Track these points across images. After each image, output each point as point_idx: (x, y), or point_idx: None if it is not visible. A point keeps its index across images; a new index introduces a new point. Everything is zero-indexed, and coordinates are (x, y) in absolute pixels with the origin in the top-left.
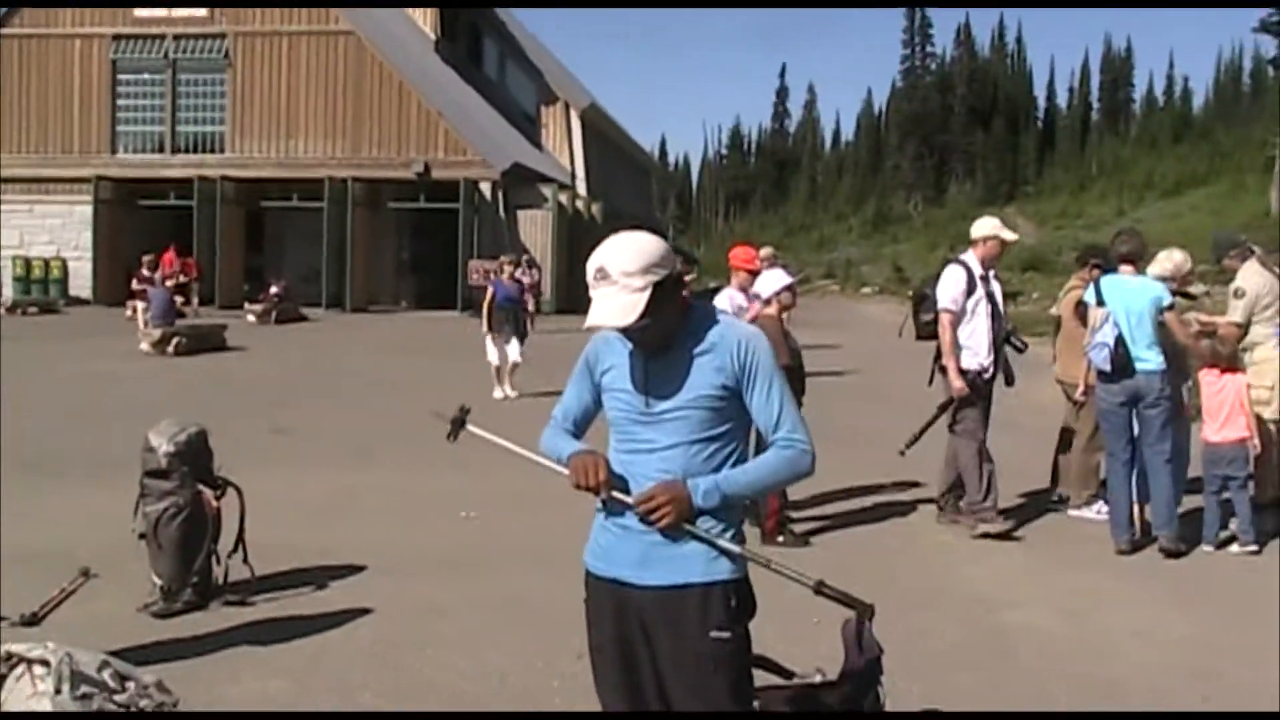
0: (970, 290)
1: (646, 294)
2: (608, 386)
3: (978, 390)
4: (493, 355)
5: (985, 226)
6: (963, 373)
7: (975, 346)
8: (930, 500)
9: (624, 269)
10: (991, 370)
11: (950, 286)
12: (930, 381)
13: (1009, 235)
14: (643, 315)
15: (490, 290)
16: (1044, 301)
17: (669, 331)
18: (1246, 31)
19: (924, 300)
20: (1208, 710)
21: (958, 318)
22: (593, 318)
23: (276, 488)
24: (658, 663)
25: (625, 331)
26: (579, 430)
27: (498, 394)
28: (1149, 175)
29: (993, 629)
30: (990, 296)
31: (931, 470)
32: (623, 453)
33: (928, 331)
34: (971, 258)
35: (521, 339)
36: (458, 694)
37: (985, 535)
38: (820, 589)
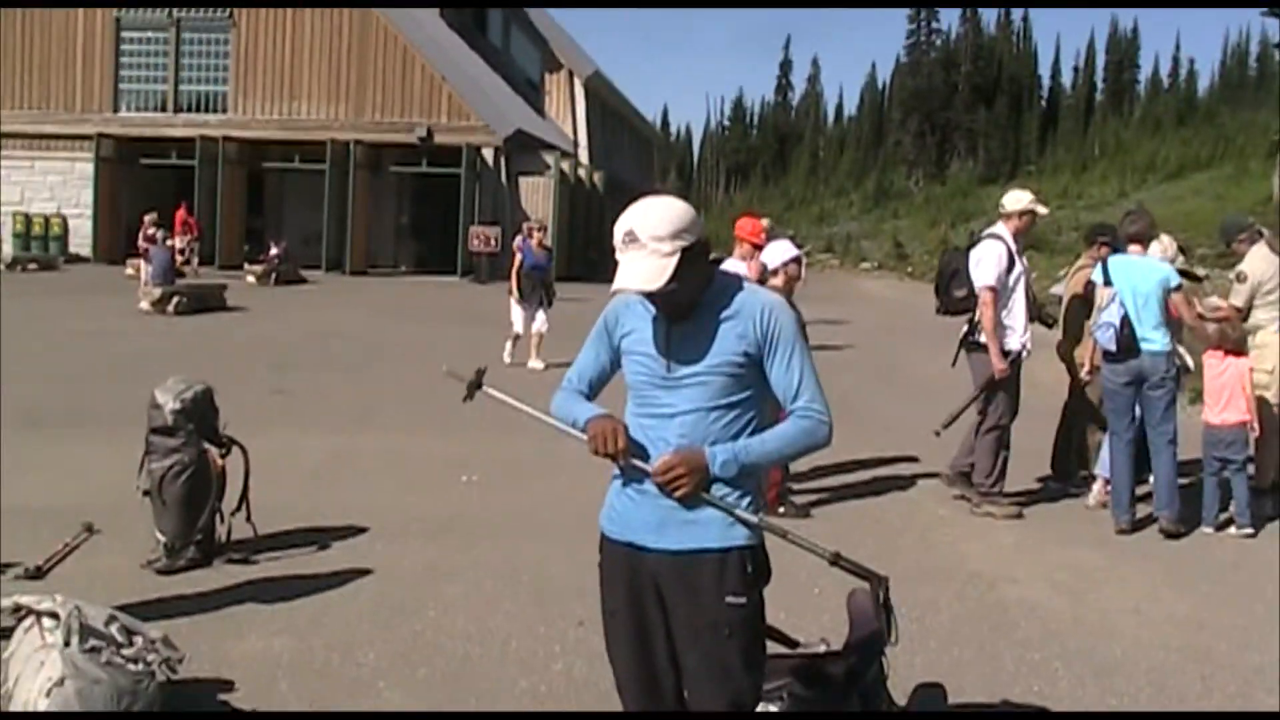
0: (1010, 267)
1: (675, 259)
2: (628, 349)
3: (1014, 371)
4: (518, 322)
5: (1020, 199)
6: (1004, 353)
7: (1014, 325)
8: (930, 475)
9: (653, 233)
10: (1029, 350)
11: (993, 263)
12: (954, 362)
13: (1042, 209)
14: (670, 280)
15: (519, 257)
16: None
17: (694, 297)
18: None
19: (955, 275)
20: (1208, 710)
21: (999, 296)
22: (620, 280)
23: (277, 448)
24: (671, 627)
25: (650, 296)
26: (593, 393)
27: (507, 358)
28: (1152, 157)
29: (993, 604)
30: (1025, 273)
31: (929, 446)
32: (641, 417)
33: (959, 308)
34: (1004, 231)
35: (546, 307)
36: (461, 657)
37: (989, 515)
38: (836, 560)
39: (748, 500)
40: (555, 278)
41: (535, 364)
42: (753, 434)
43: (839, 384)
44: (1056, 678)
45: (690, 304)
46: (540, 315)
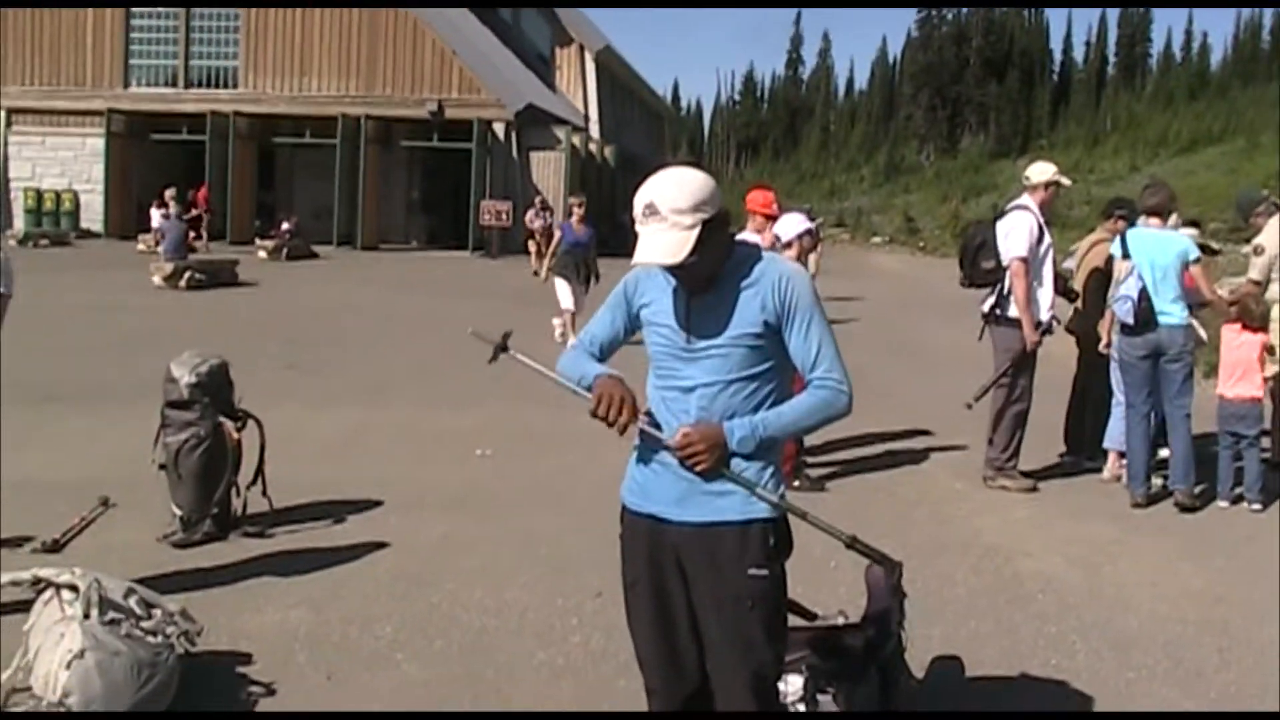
0: (1040, 238)
1: (696, 231)
2: (648, 320)
3: (1038, 346)
4: (565, 299)
5: (1046, 171)
6: (1035, 325)
7: (1043, 299)
8: (945, 448)
9: (674, 206)
10: (1059, 321)
11: (1024, 234)
12: (981, 336)
13: (1067, 181)
14: (691, 253)
15: (558, 234)
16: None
17: (715, 269)
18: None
19: (982, 246)
20: (1226, 681)
21: (1030, 267)
22: (641, 254)
23: (291, 422)
24: (692, 599)
25: (672, 269)
26: (603, 356)
27: (559, 337)
28: (1163, 132)
29: (1008, 578)
30: (1051, 245)
31: (943, 420)
32: (662, 388)
33: (987, 280)
34: (1031, 203)
35: (594, 283)
36: (478, 629)
37: (1003, 488)
38: (853, 544)
39: (769, 473)
40: (567, 252)
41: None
42: (772, 406)
43: (853, 358)
44: (1074, 650)
45: (711, 276)
46: (580, 292)
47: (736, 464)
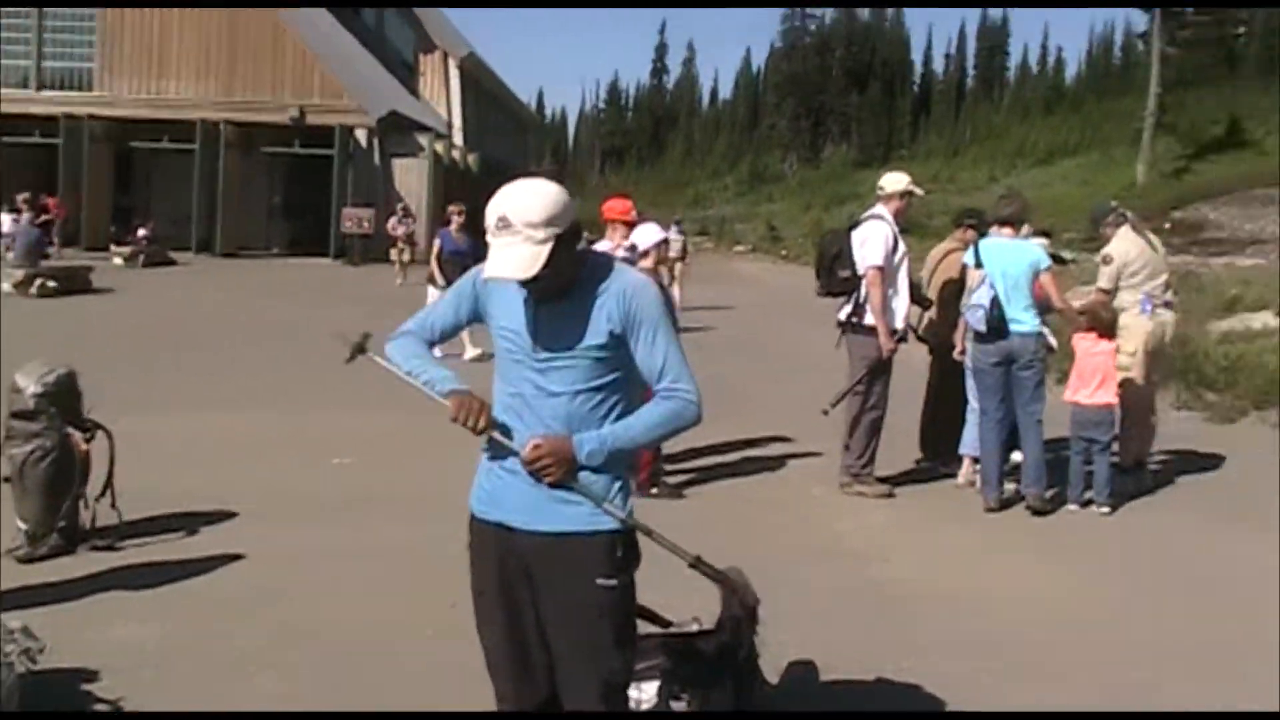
0: (895, 247)
1: (549, 246)
2: (495, 325)
3: (893, 354)
4: None
5: (900, 181)
6: (891, 333)
7: (898, 307)
8: (805, 455)
9: (527, 219)
10: (913, 329)
11: (880, 243)
12: (838, 344)
13: (920, 190)
14: (544, 268)
15: (437, 243)
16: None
17: (567, 282)
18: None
19: (838, 256)
20: (1078, 682)
21: (886, 276)
22: (493, 269)
23: (142, 433)
24: (540, 609)
25: (523, 281)
26: (438, 341)
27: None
28: (1021, 143)
29: (865, 582)
30: (905, 254)
31: (805, 426)
32: (509, 395)
33: (843, 289)
34: (886, 212)
35: None
36: (332, 639)
37: (860, 494)
38: (697, 564)
39: (618, 487)
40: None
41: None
42: (620, 417)
43: (715, 365)
44: (928, 653)
45: (563, 288)
46: None
47: (585, 476)
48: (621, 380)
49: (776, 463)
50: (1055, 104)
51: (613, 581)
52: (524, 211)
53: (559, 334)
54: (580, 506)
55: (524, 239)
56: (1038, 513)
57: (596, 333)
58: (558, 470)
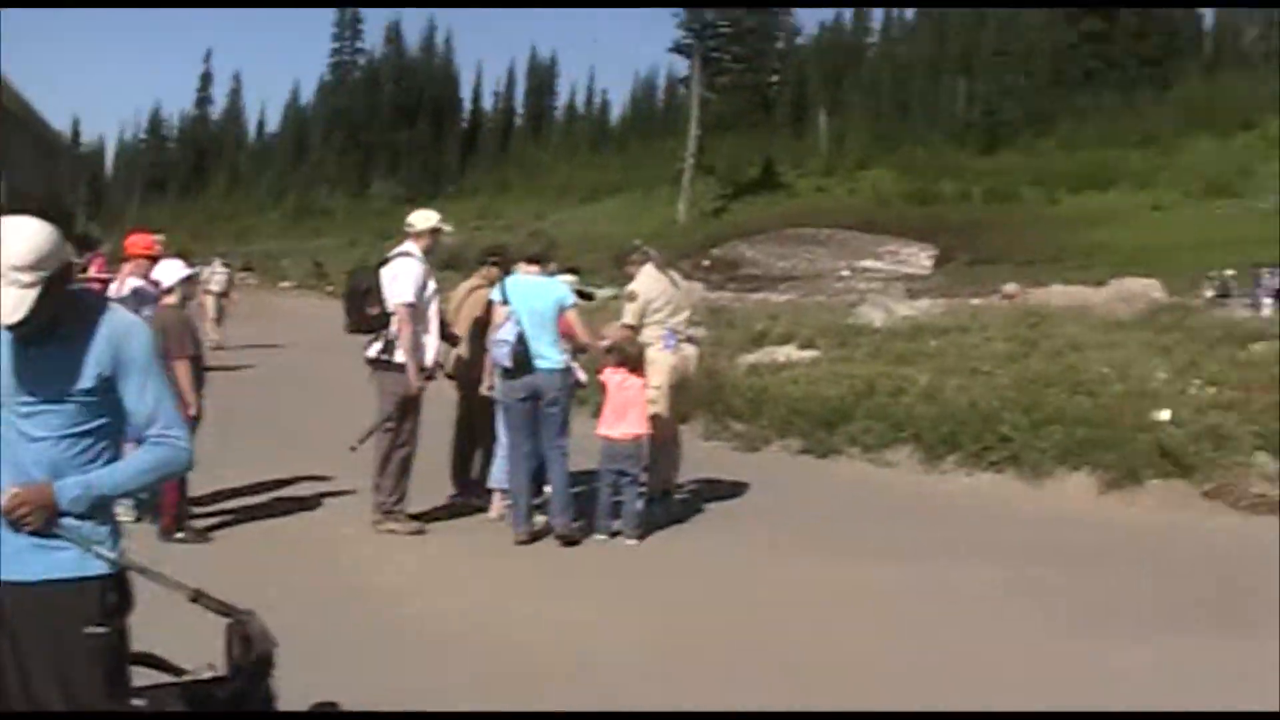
0: (425, 284)
1: (37, 290)
2: None
3: (423, 390)
4: None
5: (429, 219)
6: (421, 370)
7: (429, 343)
8: (340, 493)
9: (13, 263)
10: (442, 366)
11: (411, 280)
12: (370, 380)
13: (449, 227)
14: (31, 312)
15: None
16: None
17: (54, 324)
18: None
19: (368, 292)
20: (598, 710)
21: (417, 313)
22: None
23: None
24: (23, 661)
25: (9, 326)
26: None
27: None
28: (567, 181)
29: (397, 620)
30: (435, 291)
31: (341, 463)
32: None
33: (373, 325)
34: (415, 249)
35: None
36: None
37: (391, 531)
38: (197, 597)
39: (107, 529)
40: None
41: None
42: (109, 461)
43: (255, 402)
44: (459, 688)
45: (49, 330)
46: None
47: (70, 522)
48: (109, 426)
49: (311, 502)
50: (601, 143)
51: (103, 629)
52: (10, 255)
53: (44, 378)
54: (65, 552)
55: (9, 282)
56: (567, 543)
57: (85, 377)
58: (36, 518)
